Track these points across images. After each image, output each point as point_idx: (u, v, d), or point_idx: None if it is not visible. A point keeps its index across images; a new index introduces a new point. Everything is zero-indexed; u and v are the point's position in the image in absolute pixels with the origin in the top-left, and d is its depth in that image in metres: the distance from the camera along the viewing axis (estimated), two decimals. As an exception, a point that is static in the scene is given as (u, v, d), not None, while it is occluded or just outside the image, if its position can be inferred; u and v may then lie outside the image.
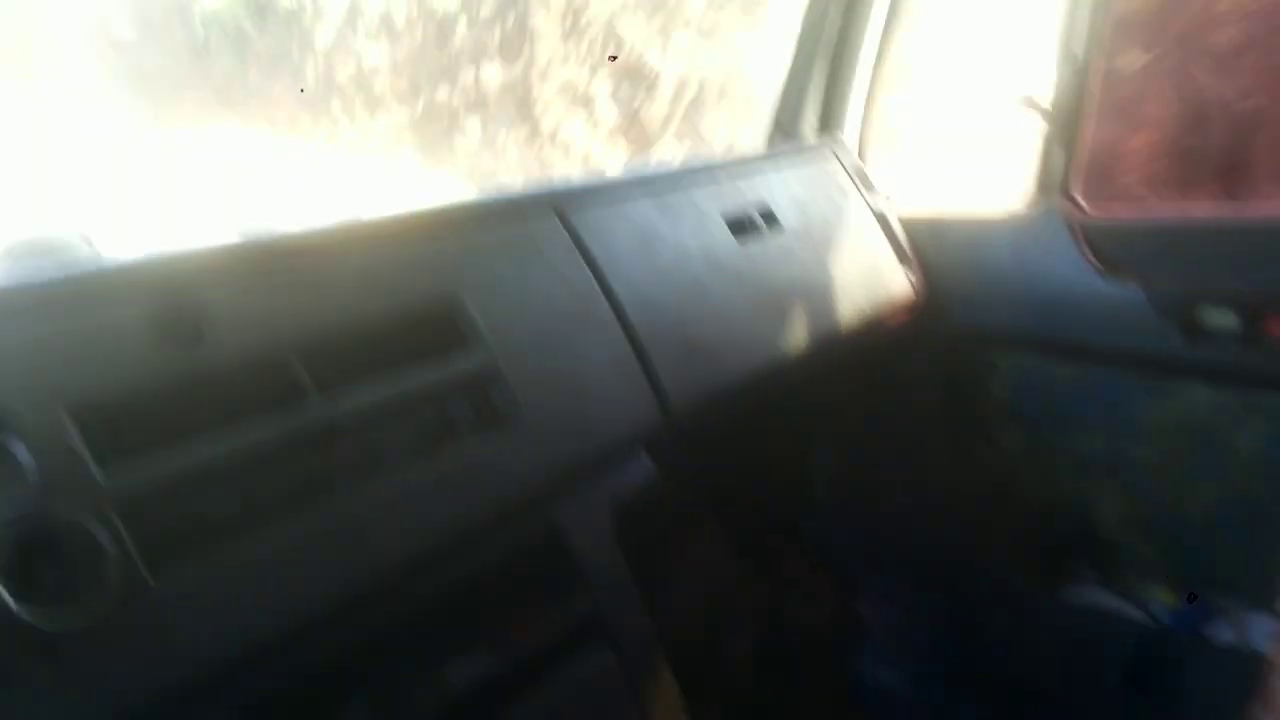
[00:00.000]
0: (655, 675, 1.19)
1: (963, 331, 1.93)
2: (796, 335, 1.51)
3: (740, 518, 2.06)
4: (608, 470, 1.20)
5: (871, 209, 1.82)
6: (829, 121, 1.97)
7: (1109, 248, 1.74)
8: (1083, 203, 1.78)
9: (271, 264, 0.98)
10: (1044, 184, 1.80)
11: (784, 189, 1.65)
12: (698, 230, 1.45)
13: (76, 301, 0.85)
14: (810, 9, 1.92)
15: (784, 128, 1.96)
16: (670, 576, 1.81)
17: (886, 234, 1.82)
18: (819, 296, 1.59)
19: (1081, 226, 1.76)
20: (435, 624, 1.06)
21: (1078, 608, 1.98)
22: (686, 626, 1.86)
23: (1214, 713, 1.57)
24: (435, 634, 1.07)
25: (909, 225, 1.88)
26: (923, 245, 1.89)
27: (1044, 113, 1.77)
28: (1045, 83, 1.76)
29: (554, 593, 1.13)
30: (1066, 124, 1.76)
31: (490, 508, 1.05)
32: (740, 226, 1.51)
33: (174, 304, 0.88)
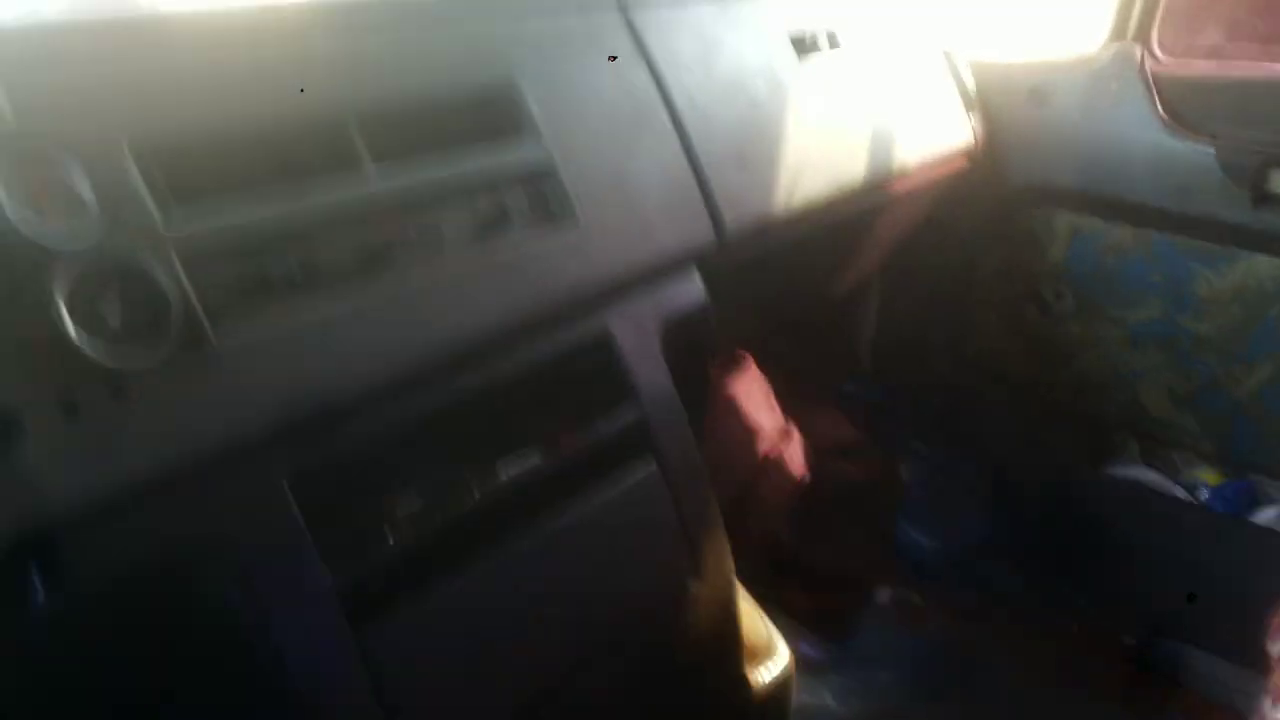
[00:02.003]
0: (698, 490, 1.19)
1: (1023, 186, 1.88)
2: (853, 168, 1.48)
3: (783, 370, 2.04)
4: (658, 282, 1.19)
5: (938, 46, 1.76)
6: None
7: (1182, 102, 1.68)
8: (1159, 51, 1.71)
9: (333, 27, 0.96)
10: (1121, 28, 1.73)
11: (851, 14, 1.59)
12: (760, 43, 1.40)
13: (143, 41, 0.84)
14: None
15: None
16: (712, 407, 1.82)
17: (952, 74, 1.76)
18: (878, 131, 1.55)
19: (1155, 77, 1.69)
20: (486, 418, 1.07)
21: (1118, 482, 1.97)
22: (726, 464, 1.87)
23: (1252, 593, 1.57)
24: (486, 428, 1.08)
25: (976, 69, 1.81)
26: (988, 90, 1.83)
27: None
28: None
29: (601, 397, 1.13)
30: (1150, -37, 1.69)
31: (544, 304, 1.04)
32: (803, 44, 1.46)
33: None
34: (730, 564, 1.27)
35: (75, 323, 0.71)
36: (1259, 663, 1.19)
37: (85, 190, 0.75)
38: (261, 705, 0.84)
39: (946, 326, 2.10)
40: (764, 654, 1.36)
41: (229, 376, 0.79)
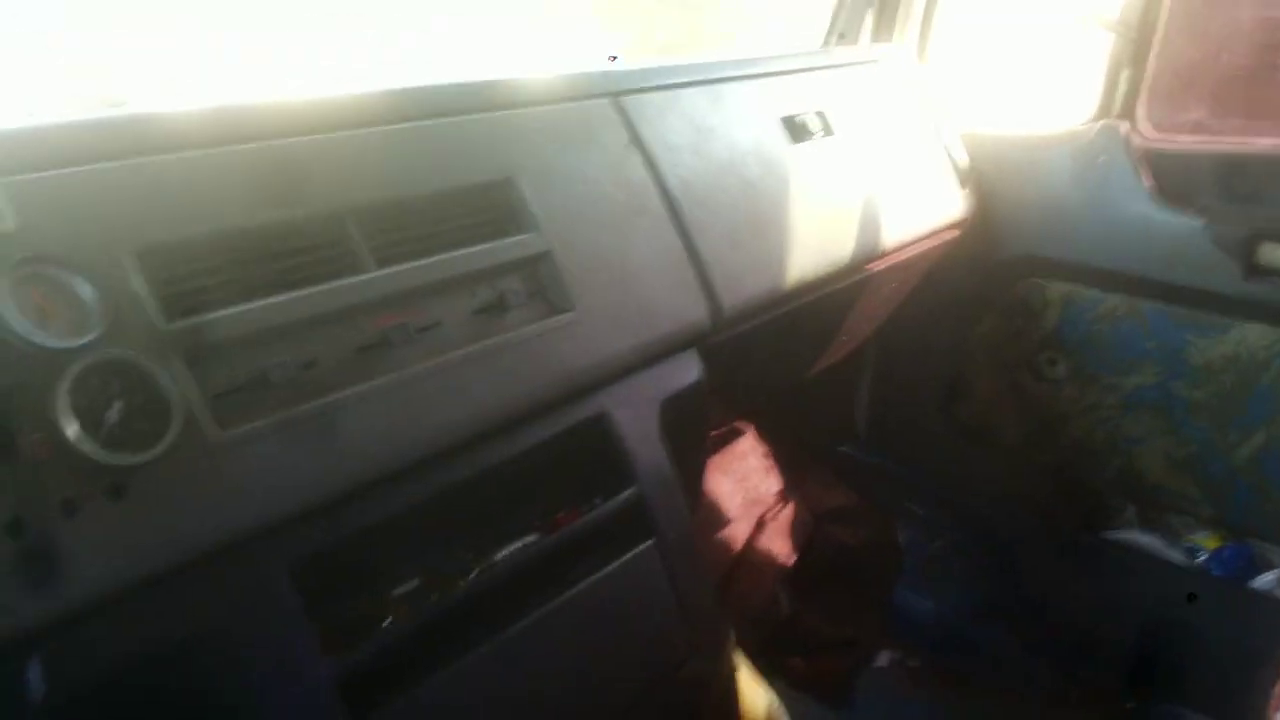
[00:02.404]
0: (694, 568, 1.20)
1: (1015, 256, 1.90)
2: (846, 245, 1.50)
3: (780, 436, 2.06)
4: (656, 364, 1.21)
5: (929, 123, 1.79)
6: (888, 31, 1.93)
7: (1171, 175, 1.70)
8: (1147, 126, 1.74)
9: (330, 124, 0.98)
10: (1108, 105, 1.77)
11: (841, 94, 1.63)
12: (752, 128, 1.43)
13: (143, 141, 0.86)
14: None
15: (843, 35, 1.92)
16: (710, 481, 1.83)
17: (943, 149, 1.79)
18: (871, 208, 1.57)
19: (1144, 151, 1.72)
20: (485, 503, 1.08)
21: (1116, 546, 1.97)
22: (723, 531, 1.88)
23: (1247, 658, 1.57)
24: (485, 513, 1.09)
25: (967, 141, 1.85)
26: (980, 163, 1.86)
27: (1112, 28, 1.73)
28: (1115, -2, 1.72)
29: (600, 478, 1.14)
30: (1135, 42, 1.72)
31: (541, 390, 1.06)
32: (795, 128, 1.49)
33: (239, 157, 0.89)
34: (729, 636, 1.28)
35: (75, 423, 0.73)
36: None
37: (87, 294, 0.77)
38: None
39: (940, 392, 2.11)
40: (765, 723, 1.37)
41: (228, 471, 0.81)
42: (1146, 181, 1.70)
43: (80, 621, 0.73)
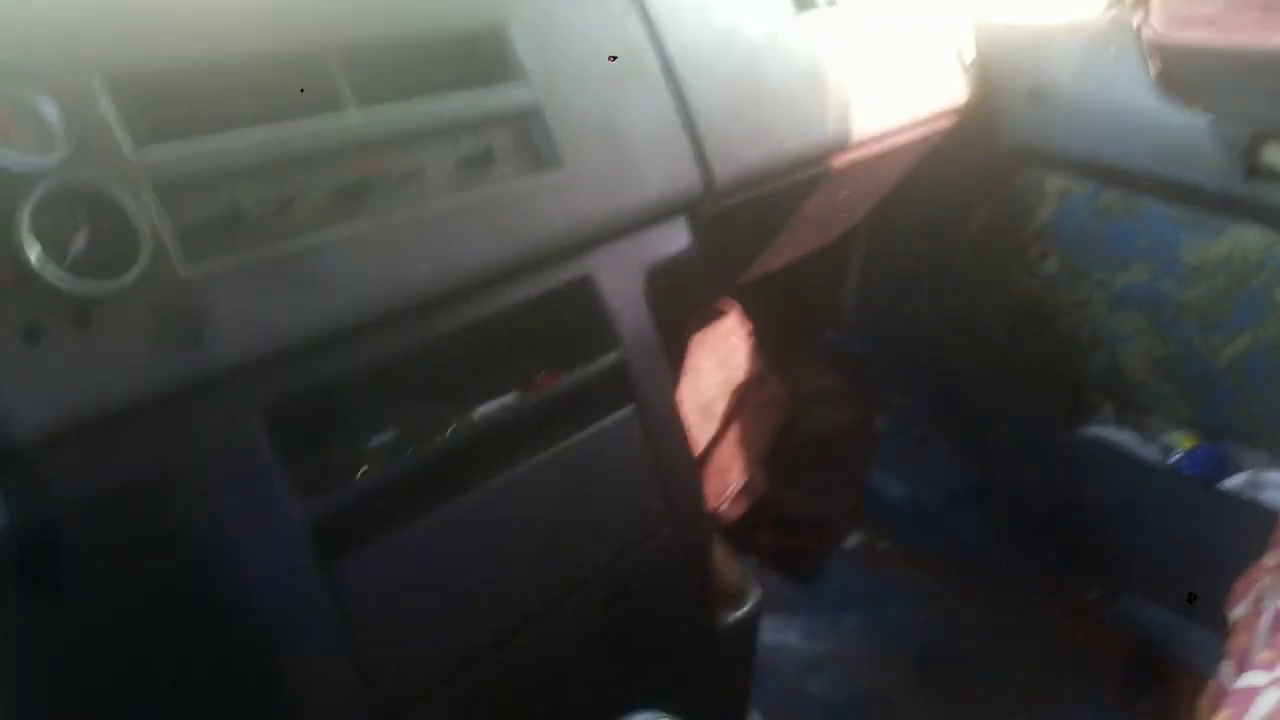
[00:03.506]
0: (675, 436, 1.20)
1: (1015, 146, 1.86)
2: (845, 122, 1.46)
3: (764, 318, 2.05)
4: (644, 229, 1.18)
5: (936, 4, 1.73)
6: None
7: (1179, 69, 1.66)
8: (1161, 18, 1.69)
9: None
10: (1120, -8, 1.71)
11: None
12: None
13: None
14: None
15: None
16: (692, 357, 1.82)
17: (949, 33, 1.73)
18: (872, 87, 1.53)
19: (1153, 43, 1.67)
20: (465, 360, 1.07)
21: (1091, 442, 1.98)
22: (703, 407, 1.88)
23: (1211, 557, 1.59)
24: (466, 372, 1.08)
25: (973, 27, 1.79)
26: (985, 50, 1.80)
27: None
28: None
29: (582, 342, 1.13)
30: (1154, -76, 1.66)
31: (525, 247, 1.03)
32: (801, -3, 1.44)
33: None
34: (705, 508, 1.28)
35: (39, 247, 0.70)
36: (1220, 626, 1.22)
37: (52, 115, 0.73)
38: (228, 637, 0.85)
39: (929, 281, 2.10)
40: (734, 595, 1.39)
41: (198, 306, 0.79)
42: (1155, 75, 1.66)
43: (43, 453, 0.72)
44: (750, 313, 2.06)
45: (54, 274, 0.70)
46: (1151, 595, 1.97)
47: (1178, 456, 1.94)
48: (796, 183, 1.44)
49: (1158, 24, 1.68)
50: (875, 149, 1.58)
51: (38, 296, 0.71)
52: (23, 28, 0.75)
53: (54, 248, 0.71)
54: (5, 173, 0.70)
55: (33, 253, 0.69)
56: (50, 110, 0.73)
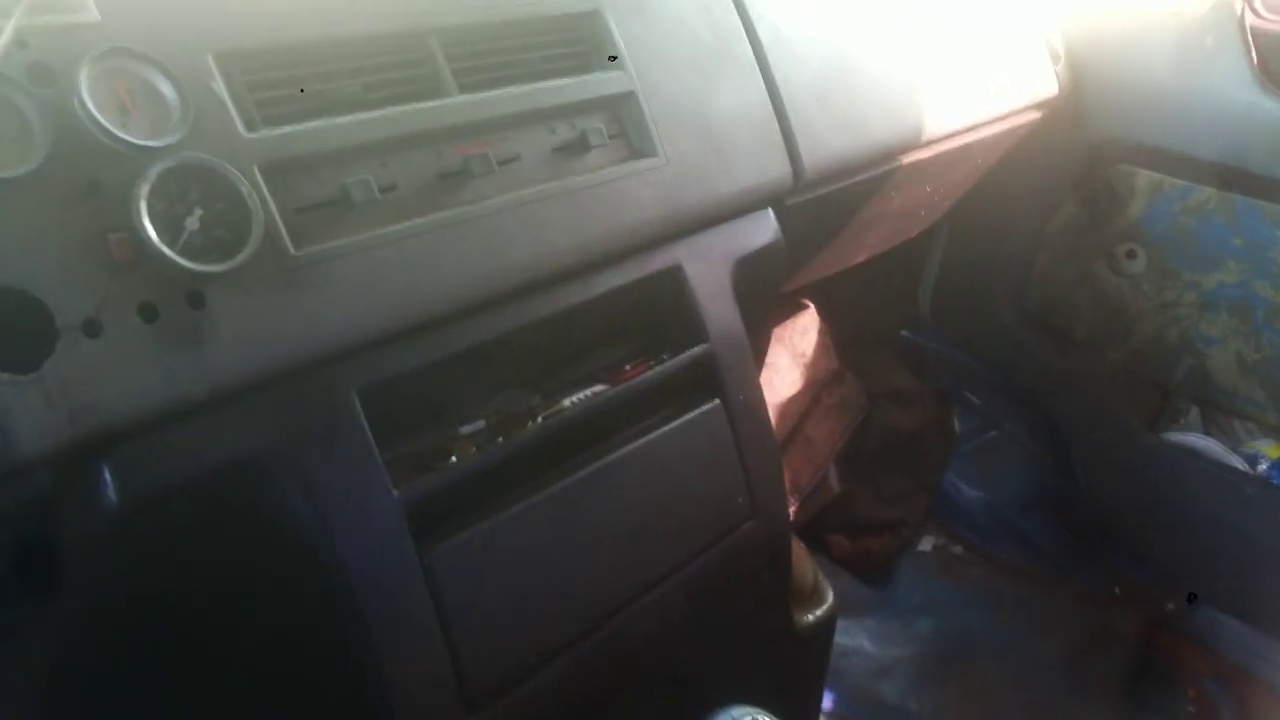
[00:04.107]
0: (760, 430, 1.18)
1: (1105, 140, 1.82)
2: (935, 114, 1.44)
3: (842, 314, 2.02)
4: (733, 220, 1.17)
5: (1029, -2, 1.70)
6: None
7: None
8: (1263, 4, 1.63)
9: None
10: (1222, -18, 1.66)
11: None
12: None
13: None
14: None
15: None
16: (769, 352, 1.81)
17: (1040, 25, 1.70)
18: (963, 77, 1.50)
19: (1254, 32, 1.62)
20: (555, 349, 1.07)
21: (1175, 448, 1.93)
22: (779, 409, 1.86)
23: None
24: (554, 359, 1.08)
25: (1066, 18, 1.75)
26: (1077, 42, 1.76)
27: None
28: None
29: (670, 334, 1.12)
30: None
31: (617, 235, 1.03)
32: (894, -16, 1.42)
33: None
34: (785, 506, 1.27)
35: (155, 225, 0.71)
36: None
37: (169, 94, 0.74)
38: (325, 615, 0.85)
39: (1011, 278, 2.05)
40: (810, 595, 1.37)
41: (305, 289, 0.79)
42: (1256, 66, 1.61)
43: (153, 429, 0.73)
44: (827, 309, 2.04)
45: (170, 253, 0.71)
46: (1232, 608, 1.92)
47: (1266, 465, 1.88)
48: (883, 175, 1.42)
49: (1261, 12, 1.63)
50: (962, 142, 1.55)
51: (154, 276, 0.71)
52: (140, 8, 0.76)
53: (168, 227, 0.72)
54: (128, 148, 0.70)
55: (150, 231, 0.70)
56: (167, 90, 0.74)
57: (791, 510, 1.96)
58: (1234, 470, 1.89)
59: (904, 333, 2.29)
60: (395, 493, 0.86)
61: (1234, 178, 1.69)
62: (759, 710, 0.97)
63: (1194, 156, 1.73)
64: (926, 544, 2.17)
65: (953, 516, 2.19)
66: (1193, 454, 1.92)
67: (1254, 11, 1.63)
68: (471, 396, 1.02)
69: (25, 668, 0.84)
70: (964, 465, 2.21)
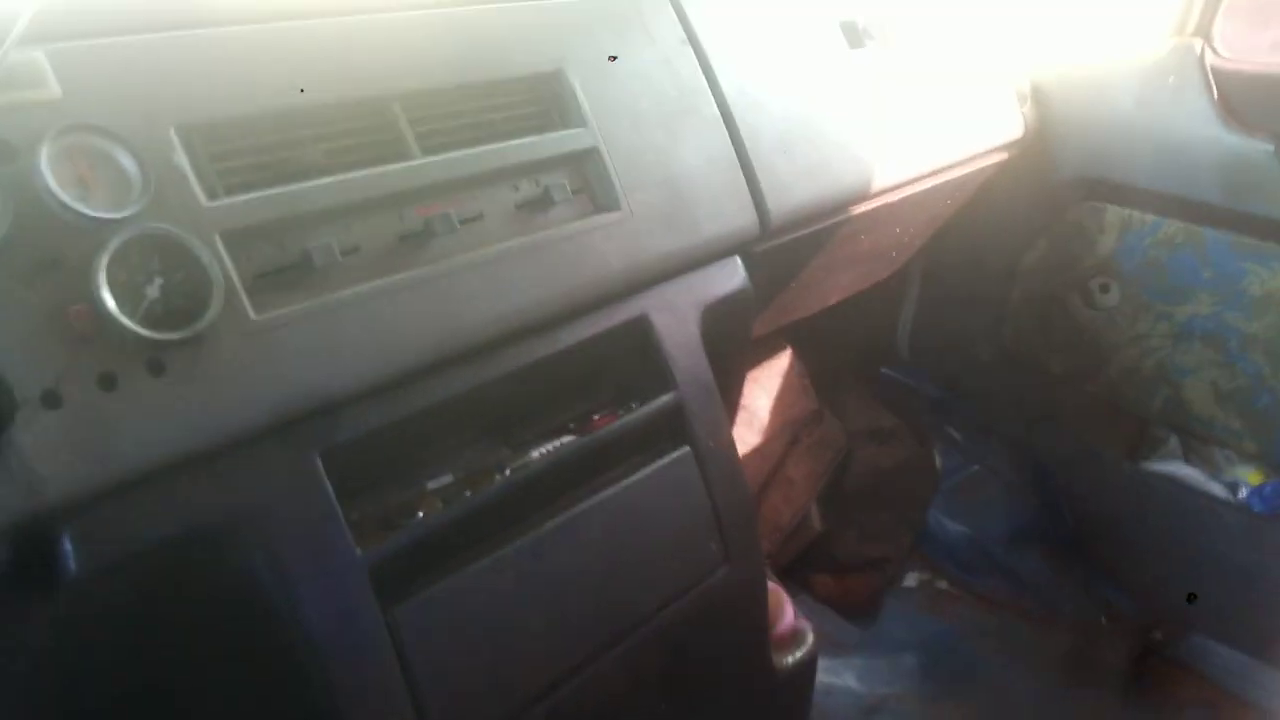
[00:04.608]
0: (731, 476, 1.19)
1: (1074, 178, 1.84)
2: (900, 158, 1.46)
3: (819, 354, 2.03)
4: (700, 269, 1.19)
5: (992, 38, 1.73)
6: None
7: (1242, 98, 1.63)
8: (1223, 45, 1.67)
9: (380, 5, 0.96)
10: (1182, 22, 1.69)
11: (904, 2, 1.56)
12: (810, 31, 1.38)
13: (190, 21, 0.84)
14: None
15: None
16: (746, 395, 1.81)
17: (1005, 67, 1.72)
18: (927, 122, 1.52)
19: (1218, 72, 1.65)
20: (522, 402, 1.07)
21: (1156, 478, 1.94)
22: (757, 451, 1.87)
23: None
24: (521, 412, 1.09)
25: (1030, 59, 1.78)
26: (1042, 82, 1.79)
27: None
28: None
29: (638, 383, 1.13)
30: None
31: (582, 289, 1.04)
32: (855, 34, 1.44)
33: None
34: (760, 550, 1.27)
35: (115, 295, 0.72)
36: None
37: (129, 167, 0.75)
38: (289, 679, 0.86)
39: (987, 315, 2.07)
40: (789, 637, 1.37)
41: (266, 353, 0.80)
42: (1218, 104, 1.63)
43: (113, 498, 0.73)
44: (804, 350, 2.06)
45: (130, 323, 0.72)
46: (1220, 634, 1.92)
47: (1246, 492, 1.89)
48: (850, 220, 1.44)
49: (1220, 51, 1.66)
50: (930, 184, 1.57)
51: (113, 345, 0.72)
52: (101, 83, 0.77)
53: (128, 297, 0.73)
54: (87, 222, 0.72)
55: (109, 302, 0.71)
56: (127, 163, 0.75)
57: (773, 551, 1.96)
58: (1216, 498, 1.89)
59: (883, 371, 2.30)
60: (359, 553, 0.86)
61: (1201, 212, 1.72)
62: None
63: (1161, 192, 1.75)
64: (912, 580, 2.17)
65: (937, 552, 2.19)
66: (1175, 483, 1.93)
67: (1214, 51, 1.66)
68: (438, 451, 1.03)
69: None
70: (947, 501, 2.21)
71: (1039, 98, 1.79)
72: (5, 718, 0.83)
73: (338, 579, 0.85)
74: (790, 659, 1.35)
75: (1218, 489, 1.91)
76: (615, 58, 1.13)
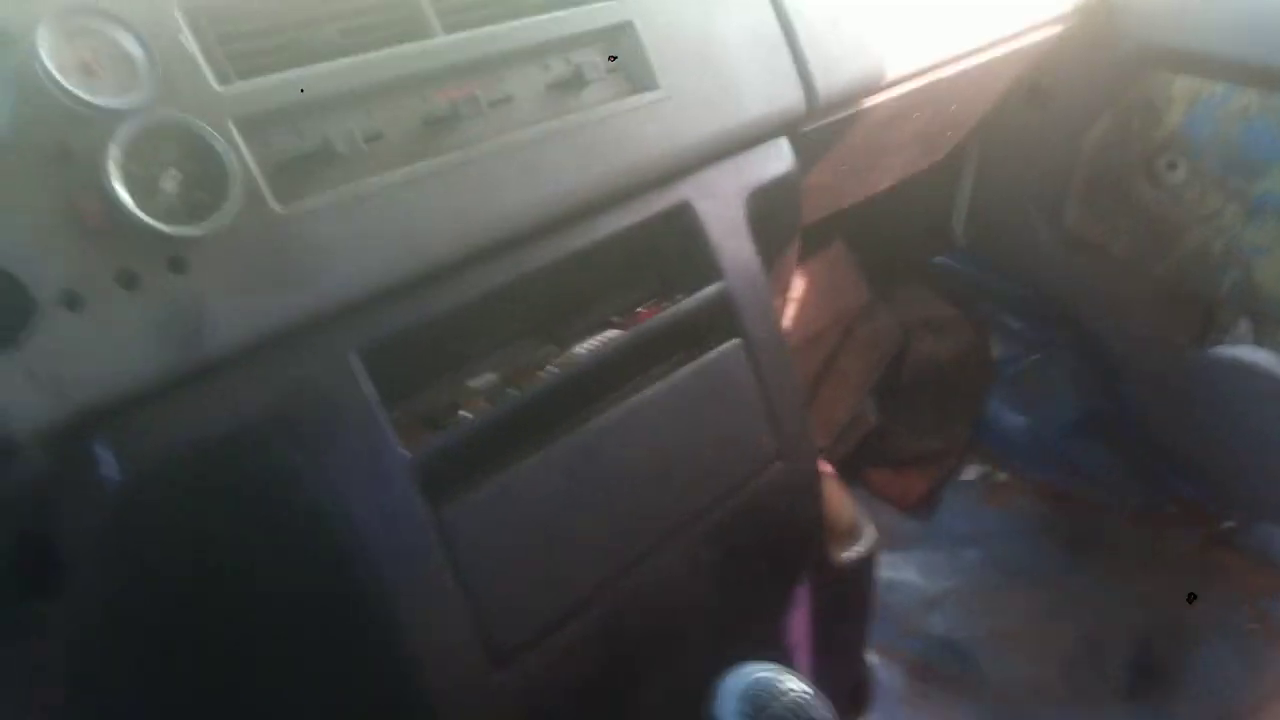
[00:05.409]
0: (782, 368, 1.15)
1: (1139, 47, 1.73)
2: (954, 30, 1.37)
3: (872, 243, 1.97)
4: (744, 152, 1.13)
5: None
6: None
7: None
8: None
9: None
10: None
11: None
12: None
13: None
14: None
15: None
16: (797, 287, 1.76)
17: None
18: (985, -11, 1.43)
19: None
20: (563, 296, 1.04)
21: (1226, 362, 1.87)
22: (810, 338, 1.82)
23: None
24: (563, 306, 1.05)
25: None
26: None
27: None
28: None
29: (683, 274, 1.09)
30: None
31: (620, 174, 0.99)
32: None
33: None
34: (814, 443, 1.24)
35: (130, 189, 0.69)
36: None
37: (135, 52, 0.71)
38: (340, 585, 0.84)
39: (1048, 197, 1.98)
40: (849, 532, 1.34)
41: (292, 246, 0.77)
42: None
43: (147, 400, 0.71)
44: (856, 239, 1.99)
45: (146, 218, 0.69)
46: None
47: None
48: (903, 96, 1.36)
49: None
50: (986, 57, 1.48)
51: (131, 242, 0.69)
52: None
53: (143, 191, 0.70)
54: (94, 111, 0.68)
55: (124, 196, 0.68)
56: (134, 48, 0.71)
57: (828, 446, 1.93)
58: (1287, 381, 1.82)
59: (937, 259, 2.23)
60: (404, 453, 0.84)
61: (1275, 79, 1.61)
62: (782, 669, 0.94)
63: (1234, 59, 1.64)
64: (971, 473, 2.14)
65: (996, 444, 2.14)
66: (1244, 367, 1.86)
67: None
68: (480, 349, 1.00)
69: (33, 667, 0.84)
70: (1006, 391, 2.16)
71: (1102, -41, 1.68)
72: (64, 629, 0.82)
73: (385, 480, 0.83)
74: (850, 554, 1.33)
75: (1294, 373, 1.84)
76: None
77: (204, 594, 0.84)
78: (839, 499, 1.35)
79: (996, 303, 2.21)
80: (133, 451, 0.72)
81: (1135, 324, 1.97)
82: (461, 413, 0.92)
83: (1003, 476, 2.12)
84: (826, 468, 1.30)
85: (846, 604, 1.39)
